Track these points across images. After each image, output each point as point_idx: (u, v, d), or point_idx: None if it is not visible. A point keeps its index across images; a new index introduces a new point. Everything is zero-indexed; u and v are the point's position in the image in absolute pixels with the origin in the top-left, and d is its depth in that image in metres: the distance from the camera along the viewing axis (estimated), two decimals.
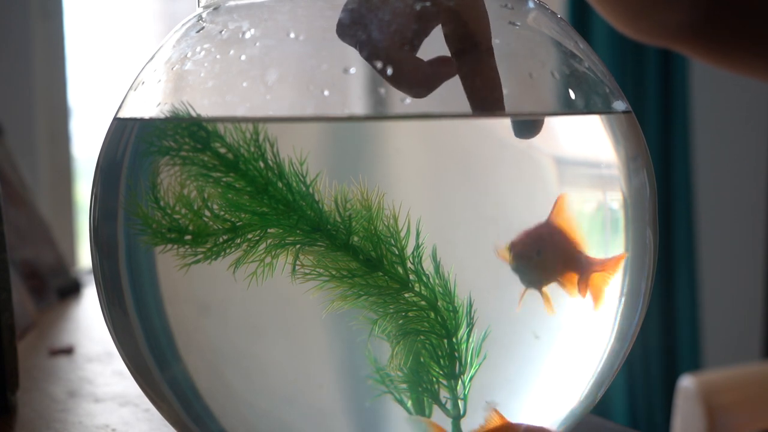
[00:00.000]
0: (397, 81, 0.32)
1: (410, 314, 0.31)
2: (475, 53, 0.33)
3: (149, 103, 0.34)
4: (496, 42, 0.33)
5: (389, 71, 0.31)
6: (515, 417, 0.33)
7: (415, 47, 0.32)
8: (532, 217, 0.32)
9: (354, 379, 0.32)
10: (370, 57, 0.31)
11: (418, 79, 0.32)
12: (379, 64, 0.31)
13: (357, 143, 0.32)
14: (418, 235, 0.30)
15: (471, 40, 0.33)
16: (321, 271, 0.31)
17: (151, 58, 0.37)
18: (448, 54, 0.33)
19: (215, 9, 0.36)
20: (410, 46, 0.32)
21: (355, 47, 0.32)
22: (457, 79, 0.33)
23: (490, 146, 0.32)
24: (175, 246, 0.31)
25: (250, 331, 0.32)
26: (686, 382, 1.08)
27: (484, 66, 0.33)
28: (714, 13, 0.63)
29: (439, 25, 0.33)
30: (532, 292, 0.32)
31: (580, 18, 1.75)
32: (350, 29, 0.32)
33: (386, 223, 0.30)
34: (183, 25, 0.37)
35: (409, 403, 0.32)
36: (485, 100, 0.32)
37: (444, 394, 0.32)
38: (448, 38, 0.33)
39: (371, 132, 0.33)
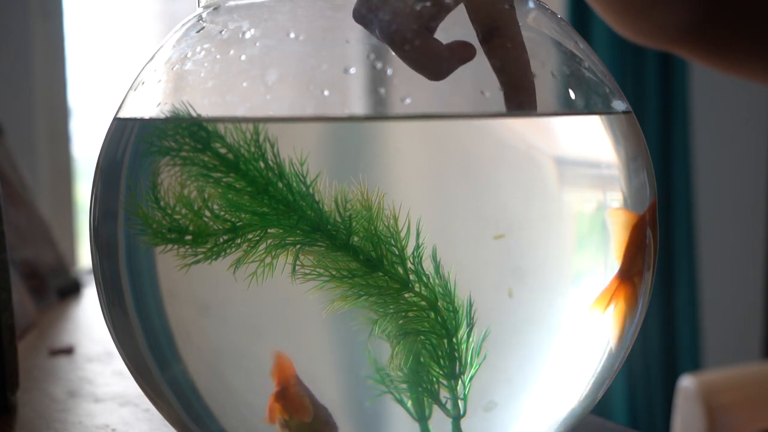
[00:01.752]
0: (415, 64, 0.32)
1: (410, 314, 0.31)
2: (503, 43, 0.33)
3: (149, 103, 0.34)
4: None
5: (407, 53, 0.31)
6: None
7: (432, 30, 0.32)
8: (532, 217, 0.32)
9: (354, 379, 0.32)
10: (387, 39, 0.32)
11: (436, 62, 0.32)
12: (396, 48, 0.31)
13: (357, 143, 0.32)
14: (418, 235, 0.30)
15: (498, 30, 0.33)
16: (321, 271, 0.31)
17: (151, 58, 0.37)
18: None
19: (215, 9, 0.36)
20: (428, 29, 0.32)
21: (373, 31, 0.32)
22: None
23: (490, 146, 0.32)
24: (175, 246, 0.31)
25: (250, 331, 0.32)
26: (686, 382, 1.08)
27: (514, 57, 0.33)
28: (713, 14, 0.63)
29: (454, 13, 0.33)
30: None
31: (580, 18, 1.75)
32: (367, 13, 0.32)
33: (386, 224, 0.30)
34: (183, 25, 0.37)
35: (409, 403, 0.32)
36: (516, 92, 0.33)
37: (444, 394, 0.32)
38: (475, 25, 0.33)
39: (371, 132, 0.33)
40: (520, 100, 0.33)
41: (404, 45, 0.32)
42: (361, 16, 0.32)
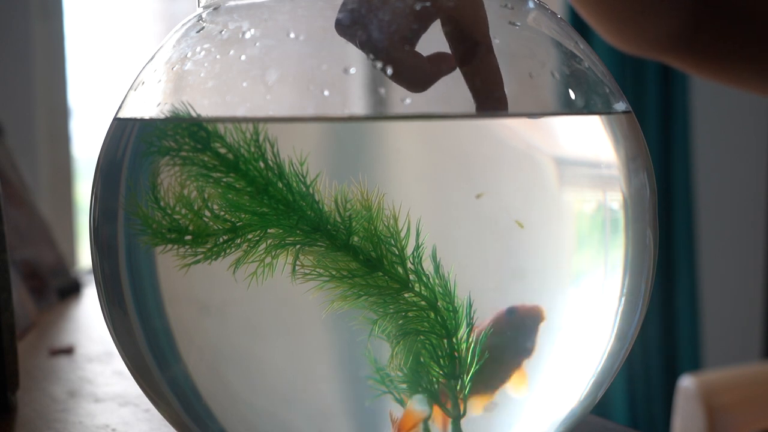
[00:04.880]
0: (396, 76, 0.32)
1: (410, 314, 0.31)
2: (476, 52, 0.33)
3: (149, 103, 0.34)
4: (496, 42, 0.33)
5: (388, 67, 0.31)
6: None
7: (414, 43, 0.32)
8: (532, 217, 0.32)
9: (354, 379, 0.32)
10: (369, 53, 0.32)
11: (417, 75, 0.32)
12: (378, 60, 0.31)
13: (357, 143, 0.32)
14: (418, 235, 0.30)
15: (471, 39, 0.33)
16: (321, 271, 0.31)
17: (151, 58, 0.37)
18: (448, 50, 0.33)
19: (215, 9, 0.36)
20: (409, 42, 0.32)
21: (355, 44, 0.32)
22: (457, 78, 0.33)
23: (490, 146, 0.32)
24: (175, 246, 0.31)
25: (250, 331, 0.32)
26: (686, 382, 1.08)
27: (485, 65, 0.33)
28: (703, 24, 0.62)
29: (439, 23, 0.33)
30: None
31: (580, 18, 1.75)
32: (349, 27, 0.32)
33: (386, 224, 0.30)
34: (183, 25, 0.37)
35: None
36: (487, 99, 0.33)
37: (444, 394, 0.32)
38: (449, 37, 0.33)
39: (371, 132, 0.33)
40: (485, 99, 0.33)
41: (404, 45, 0.32)
42: (360, 16, 0.32)
